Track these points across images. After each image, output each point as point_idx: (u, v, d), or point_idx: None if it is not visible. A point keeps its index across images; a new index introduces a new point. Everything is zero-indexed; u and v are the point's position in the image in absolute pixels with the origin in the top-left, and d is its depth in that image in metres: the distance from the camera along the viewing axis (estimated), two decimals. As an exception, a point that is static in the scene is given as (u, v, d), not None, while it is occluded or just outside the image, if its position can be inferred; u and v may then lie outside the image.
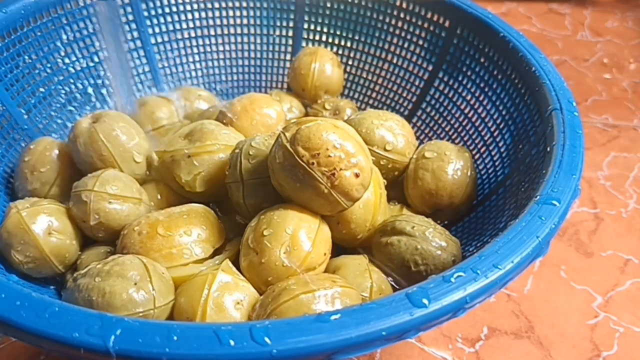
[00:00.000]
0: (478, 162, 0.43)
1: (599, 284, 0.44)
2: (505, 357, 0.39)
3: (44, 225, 0.34)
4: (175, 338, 0.20)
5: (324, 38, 0.52)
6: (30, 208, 0.34)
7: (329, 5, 0.51)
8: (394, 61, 0.50)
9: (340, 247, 0.36)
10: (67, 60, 0.45)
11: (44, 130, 0.44)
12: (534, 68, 0.37)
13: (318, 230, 0.31)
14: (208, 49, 0.53)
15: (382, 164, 0.39)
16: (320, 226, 0.31)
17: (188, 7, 0.50)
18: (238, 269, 0.31)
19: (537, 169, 0.32)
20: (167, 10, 0.50)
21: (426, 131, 0.48)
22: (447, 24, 0.45)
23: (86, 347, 0.20)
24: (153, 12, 0.49)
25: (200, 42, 0.52)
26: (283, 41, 0.53)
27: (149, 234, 0.32)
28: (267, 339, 0.20)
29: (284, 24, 0.52)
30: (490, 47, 0.42)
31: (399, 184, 0.41)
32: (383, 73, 0.51)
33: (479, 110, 0.44)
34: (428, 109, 0.48)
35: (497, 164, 0.41)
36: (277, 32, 0.53)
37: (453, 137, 0.46)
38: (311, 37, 0.52)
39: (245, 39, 0.53)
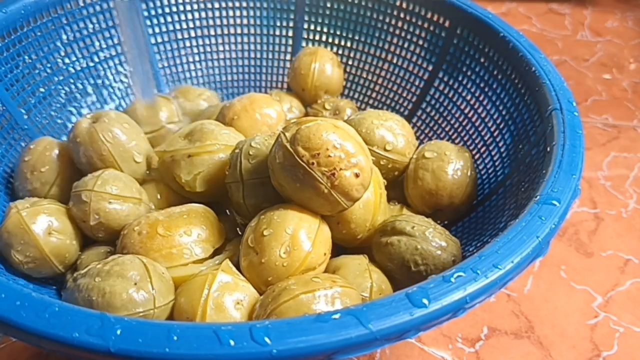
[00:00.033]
0: (478, 162, 0.43)
1: (599, 284, 0.44)
2: (505, 357, 0.39)
3: (44, 225, 0.34)
4: (175, 338, 0.20)
5: (324, 38, 0.52)
6: (30, 208, 0.34)
7: (329, 5, 0.51)
8: (394, 61, 0.50)
9: (340, 247, 0.36)
10: (67, 60, 0.45)
11: (44, 130, 0.44)
12: (534, 68, 0.37)
13: (318, 230, 0.31)
14: (208, 49, 0.53)
15: (382, 164, 0.39)
16: (320, 226, 0.31)
17: (188, 7, 0.50)
18: (238, 269, 0.31)
19: (537, 169, 0.32)
20: (167, 10, 0.50)
21: (426, 131, 0.48)
22: (447, 24, 0.45)
23: (86, 347, 0.20)
24: (153, 12, 0.49)
25: (200, 42, 0.52)
26: (283, 41, 0.53)
27: (149, 234, 0.32)
28: (267, 339, 0.20)
29: (284, 24, 0.52)
30: (490, 47, 0.42)
31: (399, 184, 0.41)
32: (383, 73, 0.51)
33: (479, 110, 0.44)
34: (428, 109, 0.48)
35: (497, 164, 0.41)
36: (277, 32, 0.53)
37: (453, 137, 0.46)
38: (311, 37, 0.52)
39: (245, 39, 0.53)
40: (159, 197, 0.38)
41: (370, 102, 0.52)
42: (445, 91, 0.47)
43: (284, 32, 0.53)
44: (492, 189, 0.40)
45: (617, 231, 0.49)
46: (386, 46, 0.50)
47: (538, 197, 0.27)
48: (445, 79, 0.47)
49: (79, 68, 0.46)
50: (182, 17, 0.51)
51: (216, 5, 0.51)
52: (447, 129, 0.47)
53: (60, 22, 0.44)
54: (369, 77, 0.52)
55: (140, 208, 0.36)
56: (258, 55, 0.54)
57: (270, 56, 0.54)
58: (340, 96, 0.52)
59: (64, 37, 0.45)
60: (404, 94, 0.50)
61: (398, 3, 0.48)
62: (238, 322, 0.28)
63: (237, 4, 0.51)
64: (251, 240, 0.31)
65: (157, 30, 0.50)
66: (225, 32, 0.52)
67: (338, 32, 0.52)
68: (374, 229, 0.35)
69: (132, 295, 0.28)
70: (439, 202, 0.38)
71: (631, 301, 0.43)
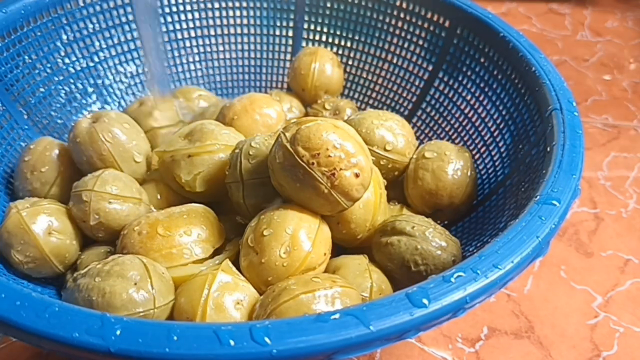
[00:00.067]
0: (478, 162, 0.43)
1: (599, 284, 0.44)
2: (505, 357, 0.39)
3: (44, 225, 0.34)
4: (175, 338, 0.20)
5: (324, 38, 0.52)
6: (30, 208, 0.34)
7: (329, 5, 0.51)
8: (394, 61, 0.50)
9: (340, 247, 0.36)
10: (67, 60, 0.45)
11: (44, 130, 0.44)
12: (534, 68, 0.37)
13: (318, 230, 0.31)
14: (208, 49, 0.53)
15: (382, 164, 0.39)
16: (320, 226, 0.31)
17: (188, 7, 0.50)
18: (238, 269, 0.31)
19: (537, 169, 0.32)
20: (167, 10, 0.50)
21: (426, 131, 0.48)
22: (447, 24, 0.45)
23: (86, 347, 0.20)
24: (153, 12, 0.49)
25: (200, 42, 0.52)
26: (283, 41, 0.53)
27: (149, 234, 0.32)
28: (267, 339, 0.20)
29: (284, 24, 0.52)
30: (490, 47, 0.42)
31: (399, 184, 0.41)
32: (383, 73, 0.51)
33: (479, 110, 0.44)
34: (428, 109, 0.48)
35: (497, 164, 0.41)
36: (277, 32, 0.53)
37: (453, 137, 0.46)
38: (311, 37, 0.52)
39: (245, 39, 0.53)
40: (159, 197, 0.38)
41: (370, 102, 0.52)
42: (445, 91, 0.47)
43: (284, 32, 0.53)
44: (492, 189, 0.40)
45: (617, 231, 0.49)
46: (386, 46, 0.50)
47: (538, 197, 0.27)
48: (445, 79, 0.47)
49: (79, 68, 0.46)
50: (182, 17, 0.51)
51: (216, 5, 0.51)
52: (447, 129, 0.47)
53: (60, 22, 0.44)
54: (369, 77, 0.52)
55: (140, 208, 0.36)
56: (258, 55, 0.54)
57: (270, 56, 0.54)
58: (340, 96, 0.52)
59: (64, 37, 0.45)
60: (404, 94, 0.50)
61: (398, 3, 0.48)
62: (238, 322, 0.28)
63: (237, 4, 0.51)
64: (251, 240, 0.31)
65: (157, 30, 0.50)
66: (225, 32, 0.52)
67: (338, 32, 0.52)
68: (374, 229, 0.35)
69: (132, 295, 0.28)
70: (439, 202, 0.38)
71: (631, 301, 0.43)
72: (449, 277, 0.23)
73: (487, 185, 0.41)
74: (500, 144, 0.41)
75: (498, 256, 0.24)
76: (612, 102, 0.65)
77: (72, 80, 0.46)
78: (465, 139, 0.45)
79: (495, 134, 0.42)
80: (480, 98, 0.43)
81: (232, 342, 0.20)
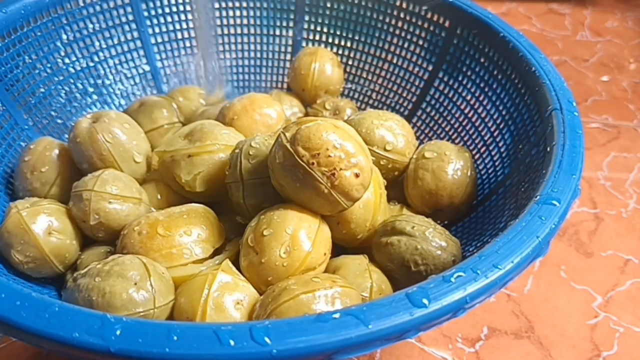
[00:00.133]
0: (478, 162, 0.43)
1: (599, 284, 0.44)
2: (505, 357, 0.39)
3: (44, 225, 0.34)
4: (175, 338, 0.20)
5: (324, 38, 0.52)
6: (30, 208, 0.34)
7: (329, 5, 0.51)
8: (394, 61, 0.50)
9: (340, 247, 0.36)
10: (67, 60, 0.45)
11: (44, 130, 0.44)
12: (534, 68, 0.37)
13: (318, 230, 0.31)
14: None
15: (382, 164, 0.39)
16: (320, 226, 0.31)
17: (188, 7, 0.50)
18: (238, 269, 0.31)
19: (537, 169, 0.32)
20: (167, 10, 0.50)
21: (426, 131, 0.48)
22: (447, 24, 0.45)
23: (86, 347, 0.20)
24: (153, 12, 0.49)
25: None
26: (283, 41, 0.53)
27: (149, 234, 0.32)
28: (267, 339, 0.20)
29: (284, 24, 0.52)
30: (490, 47, 0.42)
31: (399, 184, 0.41)
32: (383, 73, 0.51)
33: (479, 110, 0.44)
34: (428, 109, 0.48)
35: (497, 164, 0.41)
36: (277, 32, 0.53)
37: (453, 137, 0.46)
38: (311, 37, 0.52)
39: (245, 39, 0.53)
40: (159, 197, 0.38)
41: (370, 102, 0.52)
42: (445, 91, 0.47)
43: (284, 32, 0.53)
44: (492, 189, 0.40)
45: (617, 231, 0.49)
46: (386, 46, 0.50)
47: (538, 197, 0.27)
48: (445, 79, 0.47)
49: (79, 68, 0.46)
50: (182, 17, 0.51)
51: (216, 5, 0.51)
52: (447, 129, 0.47)
53: (60, 22, 0.44)
54: (369, 77, 0.52)
55: (140, 208, 0.36)
56: (258, 55, 0.54)
57: (270, 56, 0.54)
58: (340, 96, 0.52)
59: (64, 37, 0.45)
60: (404, 94, 0.50)
61: (398, 3, 0.48)
62: (238, 322, 0.28)
63: (237, 4, 0.51)
64: (251, 240, 0.31)
65: (157, 30, 0.50)
66: (225, 32, 0.52)
67: (338, 32, 0.52)
68: (374, 229, 0.35)
69: (132, 295, 0.28)
70: (439, 202, 0.38)
71: (631, 301, 0.43)
72: (449, 277, 0.23)
73: (487, 185, 0.41)
74: (500, 144, 0.41)
75: (498, 256, 0.24)
76: (612, 102, 0.65)
77: (72, 80, 0.46)
78: (465, 139, 0.45)
79: (495, 134, 0.42)
80: (480, 98, 0.43)
81: (232, 342, 0.20)
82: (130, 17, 0.48)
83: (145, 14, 0.49)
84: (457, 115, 0.46)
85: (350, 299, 0.28)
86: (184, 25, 0.51)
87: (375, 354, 0.39)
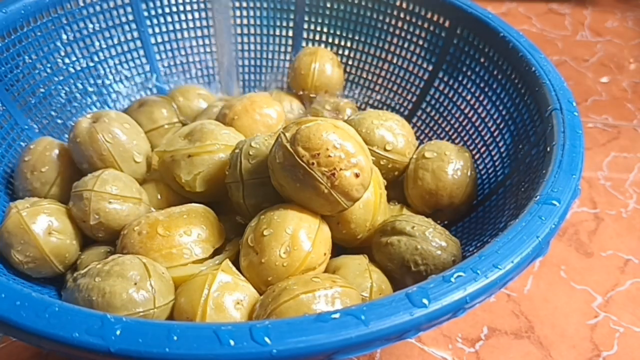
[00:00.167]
0: (478, 162, 0.43)
1: (599, 284, 0.44)
2: (505, 357, 0.39)
3: (44, 225, 0.34)
4: (175, 338, 0.20)
5: (324, 38, 0.52)
6: (30, 208, 0.34)
7: (329, 5, 0.51)
8: (394, 61, 0.50)
9: (340, 247, 0.36)
10: (67, 60, 0.45)
11: (44, 130, 0.44)
12: (534, 68, 0.37)
13: (318, 230, 0.31)
14: (208, 49, 0.53)
15: (382, 164, 0.39)
16: (320, 226, 0.31)
17: (188, 7, 0.50)
18: (238, 269, 0.31)
19: (537, 169, 0.32)
20: (167, 10, 0.50)
21: (426, 131, 0.48)
22: (447, 24, 0.45)
23: (86, 347, 0.20)
24: (153, 12, 0.49)
25: (200, 42, 0.52)
26: (283, 41, 0.53)
27: (149, 234, 0.32)
28: (267, 339, 0.20)
29: (284, 24, 0.52)
30: (490, 47, 0.42)
31: (399, 184, 0.41)
32: (383, 73, 0.51)
33: (479, 110, 0.44)
34: (428, 109, 0.48)
35: (497, 164, 0.41)
36: (277, 32, 0.53)
37: (453, 137, 0.46)
38: (311, 37, 0.52)
39: (246, 39, 0.53)
40: (159, 197, 0.38)
41: (370, 102, 0.52)
42: (445, 91, 0.47)
43: (284, 32, 0.53)
44: (492, 189, 0.40)
45: (617, 231, 0.49)
46: (386, 46, 0.50)
47: (538, 197, 0.27)
48: (445, 79, 0.47)
49: (79, 68, 0.46)
50: (182, 17, 0.51)
51: (216, 5, 0.51)
52: (447, 129, 0.47)
53: (60, 22, 0.44)
54: (369, 77, 0.52)
55: (140, 208, 0.36)
56: (258, 55, 0.54)
57: (270, 56, 0.54)
58: (340, 96, 0.51)
59: (64, 37, 0.45)
60: (404, 94, 0.50)
61: (398, 3, 0.48)
62: (238, 322, 0.28)
63: (237, 4, 0.51)
64: (251, 240, 0.31)
65: (157, 30, 0.50)
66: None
67: (338, 32, 0.52)
68: (374, 229, 0.35)
69: (132, 295, 0.28)
70: (439, 202, 0.38)
71: (631, 301, 0.43)
72: (449, 277, 0.23)
73: (487, 185, 0.41)
74: (500, 144, 0.41)
75: (498, 256, 0.24)
76: (612, 102, 0.65)
77: (72, 80, 0.46)
78: (465, 139, 0.45)
79: (495, 134, 0.42)
80: (480, 98, 0.43)
81: (232, 342, 0.20)
82: (130, 17, 0.48)
83: (145, 14, 0.49)
84: (457, 115, 0.46)
85: (350, 299, 0.28)
86: (184, 25, 0.51)
87: (375, 354, 0.39)
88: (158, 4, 0.49)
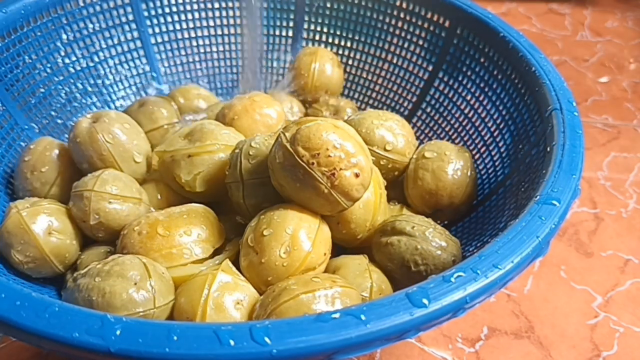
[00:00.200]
0: (478, 162, 0.43)
1: (599, 284, 0.44)
2: (505, 357, 0.39)
3: (44, 225, 0.34)
4: (175, 338, 0.20)
5: (324, 38, 0.52)
6: (30, 208, 0.34)
7: (329, 5, 0.51)
8: (394, 61, 0.50)
9: (340, 247, 0.36)
10: (67, 60, 0.45)
11: (44, 130, 0.44)
12: (534, 68, 0.37)
13: (318, 230, 0.31)
14: (208, 49, 0.53)
15: (382, 164, 0.39)
16: (320, 226, 0.31)
17: (188, 7, 0.50)
18: (238, 269, 0.31)
19: (537, 169, 0.32)
20: (167, 10, 0.50)
21: (426, 131, 0.48)
22: (447, 24, 0.45)
23: (86, 347, 0.20)
24: (153, 12, 0.49)
25: (200, 42, 0.52)
26: (283, 41, 0.53)
27: (149, 234, 0.32)
28: (267, 339, 0.20)
29: (284, 24, 0.52)
30: (490, 47, 0.42)
31: (399, 184, 0.41)
32: (383, 73, 0.51)
33: (479, 110, 0.44)
34: (428, 109, 0.48)
35: (497, 164, 0.41)
36: (277, 32, 0.53)
37: (453, 137, 0.46)
38: (311, 37, 0.52)
39: (246, 39, 0.53)
40: (159, 197, 0.38)
41: (370, 102, 0.52)
42: (445, 91, 0.47)
43: (284, 32, 0.53)
44: (492, 189, 0.40)
45: (617, 231, 0.49)
46: (386, 46, 0.50)
47: (538, 197, 0.27)
48: (445, 79, 0.47)
49: (79, 68, 0.46)
50: (182, 17, 0.51)
51: (216, 5, 0.51)
52: (447, 129, 0.47)
53: (60, 22, 0.44)
54: (369, 77, 0.52)
55: (140, 208, 0.36)
56: (258, 55, 0.54)
57: (270, 56, 0.54)
58: (340, 96, 0.52)
59: (64, 37, 0.45)
60: (404, 94, 0.50)
61: (398, 3, 0.48)
62: (238, 322, 0.28)
63: (237, 4, 0.51)
64: (251, 240, 0.31)
65: (157, 30, 0.50)
66: (226, 32, 0.52)
67: (338, 32, 0.52)
68: (374, 229, 0.35)
69: (132, 295, 0.28)
70: (439, 202, 0.38)
71: (631, 301, 0.43)
72: (449, 277, 0.23)
73: (487, 185, 0.41)
74: (500, 144, 0.41)
75: (498, 256, 0.24)
76: (612, 102, 0.65)
77: (72, 80, 0.46)
78: (465, 139, 0.45)
79: (495, 134, 0.42)
80: (480, 98, 0.43)
81: (232, 342, 0.20)
82: (130, 17, 0.48)
83: (145, 14, 0.49)
84: (457, 115, 0.46)
85: (350, 299, 0.28)
86: (184, 25, 0.51)
87: (375, 354, 0.39)
88: (158, 4, 0.49)
